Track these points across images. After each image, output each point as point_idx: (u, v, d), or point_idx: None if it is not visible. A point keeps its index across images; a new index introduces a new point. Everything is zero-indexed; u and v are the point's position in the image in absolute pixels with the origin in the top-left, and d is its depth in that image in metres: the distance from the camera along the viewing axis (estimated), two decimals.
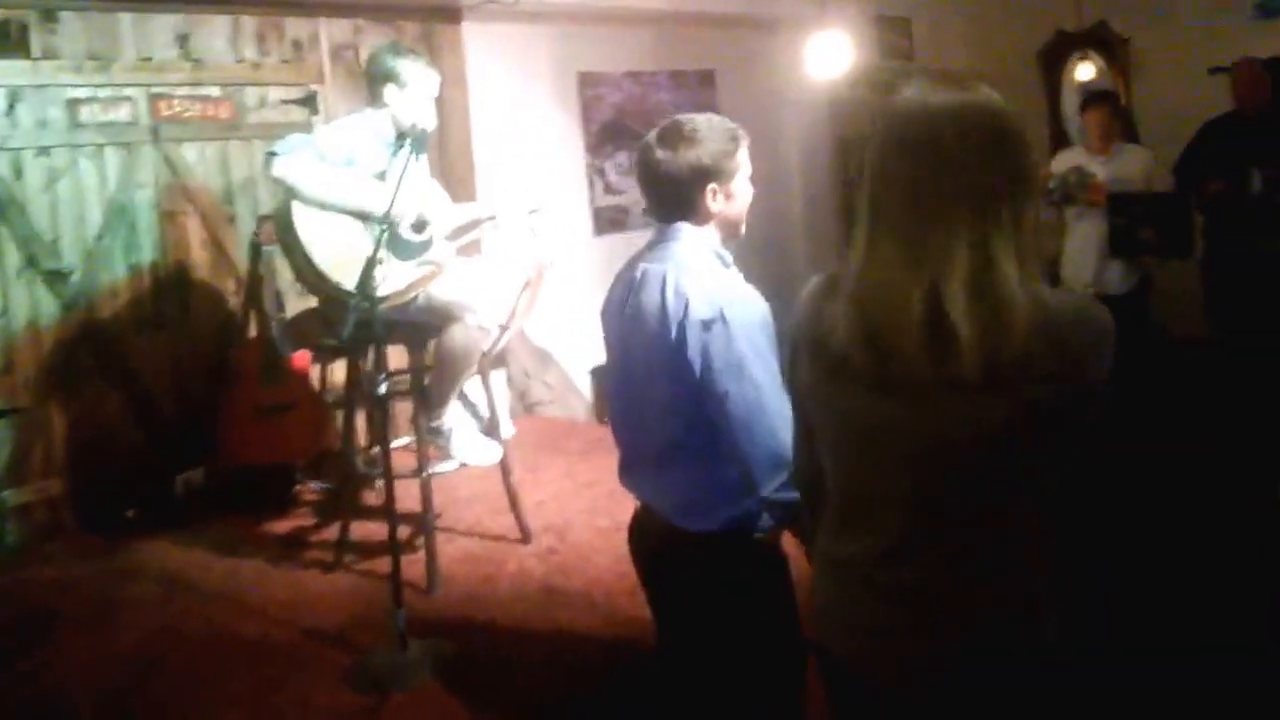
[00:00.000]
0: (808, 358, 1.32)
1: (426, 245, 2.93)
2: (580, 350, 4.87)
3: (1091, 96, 4.98)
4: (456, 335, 3.04)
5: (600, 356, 2.02)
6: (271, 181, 2.87)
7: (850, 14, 5.68)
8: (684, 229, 1.80)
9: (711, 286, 1.74)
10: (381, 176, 2.98)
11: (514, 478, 3.45)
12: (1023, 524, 1.24)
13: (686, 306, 1.72)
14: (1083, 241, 4.74)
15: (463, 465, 3.29)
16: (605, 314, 1.94)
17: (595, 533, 3.55)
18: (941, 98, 1.23)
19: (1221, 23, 6.17)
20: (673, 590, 1.90)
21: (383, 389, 2.60)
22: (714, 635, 1.82)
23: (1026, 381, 1.14)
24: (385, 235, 2.57)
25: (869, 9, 6.10)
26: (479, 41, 4.73)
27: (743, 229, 1.88)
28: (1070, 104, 6.73)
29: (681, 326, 1.72)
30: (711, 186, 1.78)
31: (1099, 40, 6.59)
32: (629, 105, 5.37)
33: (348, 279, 2.83)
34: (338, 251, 2.86)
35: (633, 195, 5.22)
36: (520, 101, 4.90)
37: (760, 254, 6.01)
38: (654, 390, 1.79)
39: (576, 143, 5.22)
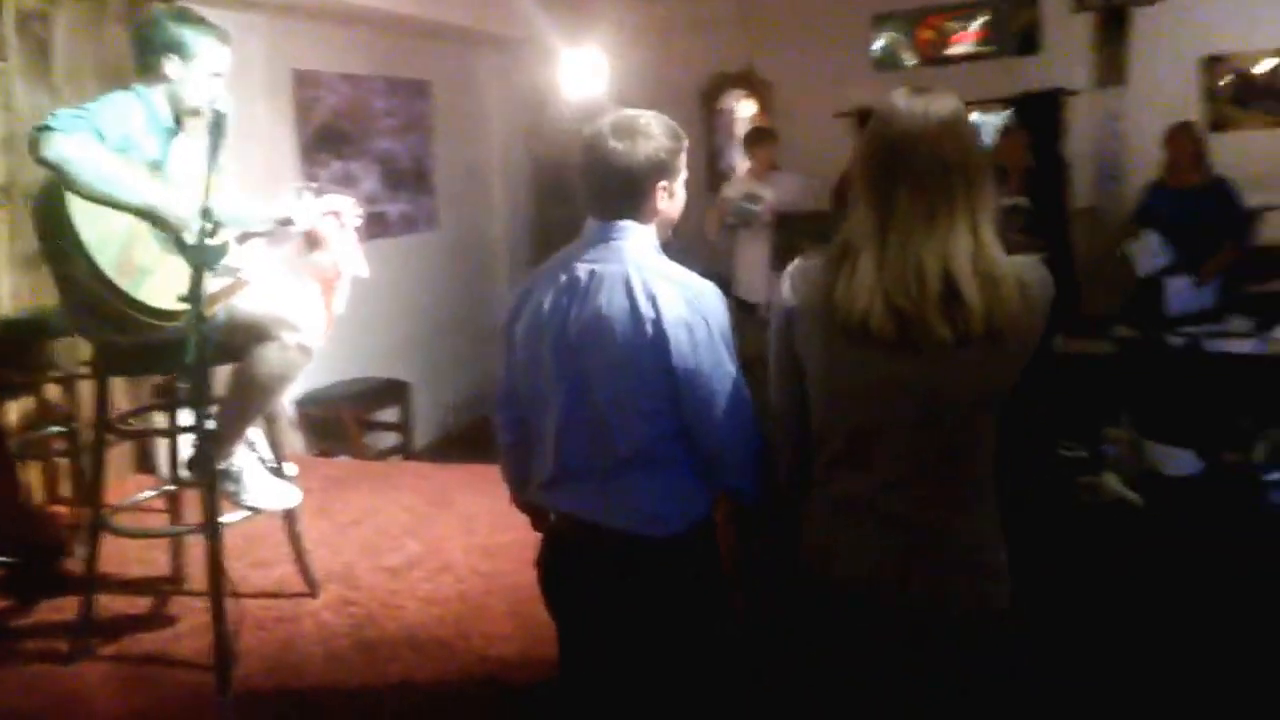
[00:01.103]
0: (815, 325, 1.51)
1: (223, 251, 2.46)
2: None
3: (758, 132, 5.54)
4: (270, 357, 2.58)
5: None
6: (41, 164, 2.23)
7: (546, 46, 5.74)
8: (630, 227, 1.74)
9: (679, 284, 1.70)
10: (156, 167, 2.46)
11: (301, 524, 3.02)
12: (987, 462, 1.53)
13: (660, 307, 1.66)
14: (752, 259, 5.24)
15: (254, 513, 2.79)
16: (526, 322, 1.81)
17: (386, 574, 3.22)
18: (935, 103, 1.48)
19: (846, 74, 7.18)
20: (626, 602, 1.77)
21: (211, 425, 2.14)
22: (680, 634, 1.76)
23: (1013, 335, 1.43)
24: (196, 238, 2.14)
25: (564, 41, 6.22)
26: None
27: (671, 230, 1.83)
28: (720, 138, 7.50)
29: (659, 328, 1.66)
30: (663, 183, 1.74)
31: (749, 82, 7.33)
32: (346, 109, 4.96)
33: (144, 290, 2.31)
34: (121, 256, 2.31)
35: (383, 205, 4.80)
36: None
37: (461, 260, 5.96)
38: (617, 397, 1.70)
39: (289, 147, 4.70)
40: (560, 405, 1.76)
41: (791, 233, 5.20)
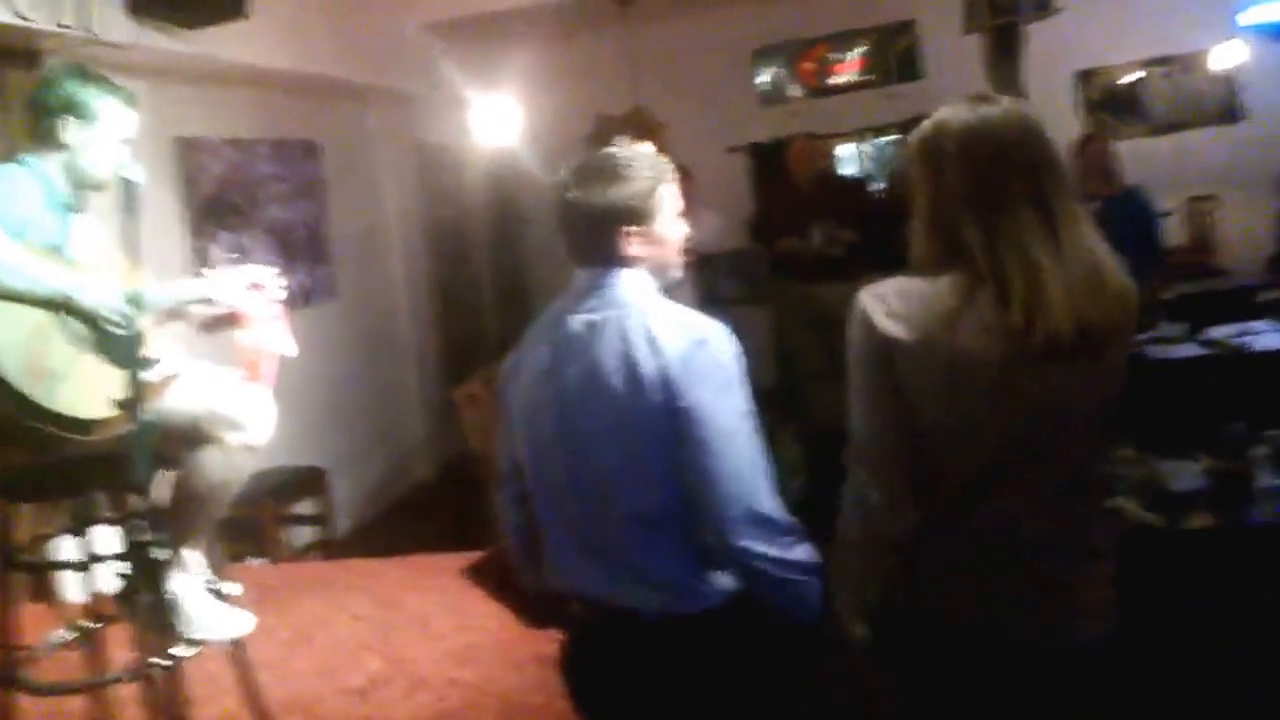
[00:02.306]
0: (937, 355, 1.41)
1: (141, 341, 2.08)
2: None
3: (675, 170, 5.37)
4: (210, 463, 2.20)
5: None
6: None
7: (439, 100, 5.48)
8: (621, 272, 1.63)
9: (683, 326, 1.58)
10: (55, 251, 2.09)
11: (249, 654, 2.60)
12: (1100, 488, 1.55)
13: (661, 351, 1.54)
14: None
15: (201, 647, 2.37)
16: (523, 386, 1.69)
17: (353, 699, 2.83)
18: (999, 105, 1.47)
19: (734, 110, 7.18)
20: (666, 693, 1.60)
21: (162, 554, 1.77)
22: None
23: (1118, 344, 1.43)
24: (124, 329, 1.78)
25: (457, 94, 5.99)
26: None
27: (676, 271, 1.71)
28: None
29: (663, 374, 1.52)
30: (628, 229, 1.61)
31: (640, 123, 7.22)
32: (233, 177, 4.53)
33: (60, 398, 1.91)
34: (29, 361, 1.91)
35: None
36: None
37: (364, 331, 5.57)
38: (625, 457, 1.56)
39: (174, 221, 4.25)
40: (565, 473, 1.63)
41: (715, 272, 5.08)
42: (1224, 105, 6.56)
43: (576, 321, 1.63)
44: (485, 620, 2.53)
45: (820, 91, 7.21)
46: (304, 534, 4.91)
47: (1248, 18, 6.40)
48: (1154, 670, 2.03)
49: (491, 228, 7.09)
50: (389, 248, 5.92)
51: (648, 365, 1.53)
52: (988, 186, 1.42)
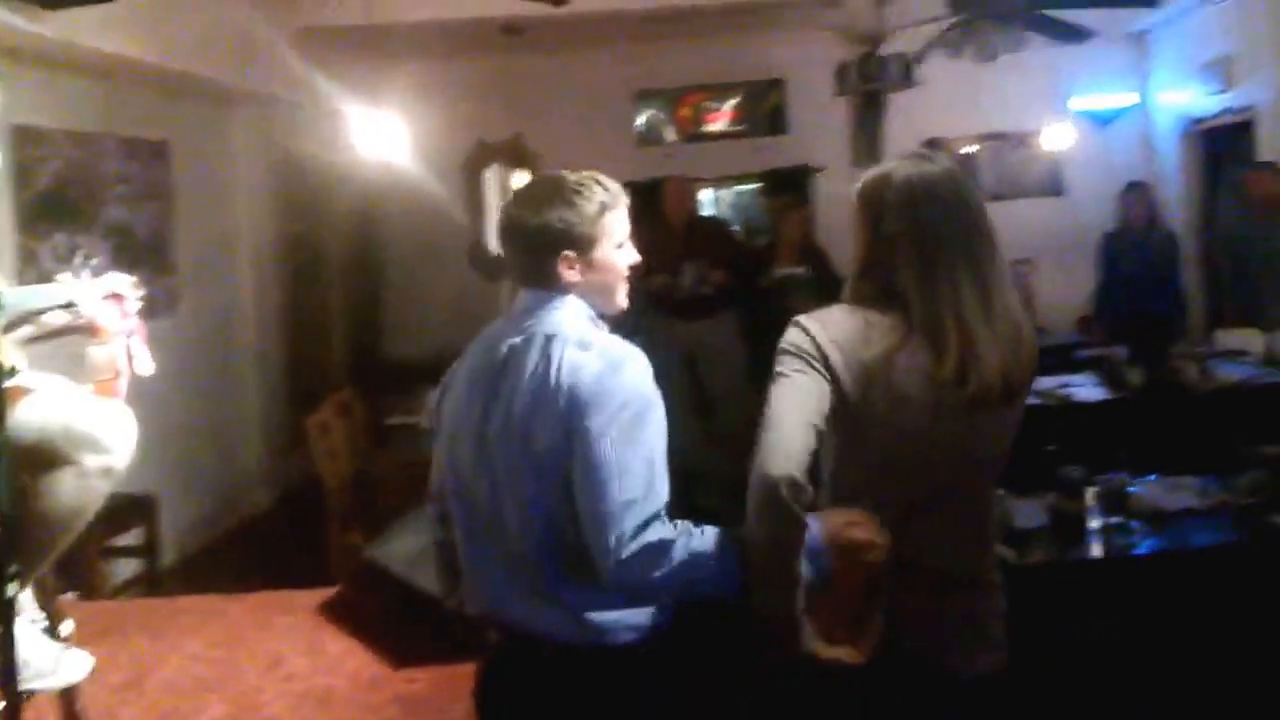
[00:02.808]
0: (861, 391, 1.48)
1: None
2: None
3: None
4: (64, 487, 1.94)
5: None
6: None
7: (307, 106, 5.23)
8: (558, 297, 1.60)
9: (596, 351, 1.53)
10: None
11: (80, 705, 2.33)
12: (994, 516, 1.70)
13: (570, 377, 1.50)
14: None
15: (29, 696, 2.08)
16: (452, 403, 1.65)
17: None
18: (946, 164, 1.57)
19: (611, 148, 7.22)
20: None
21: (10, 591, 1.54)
22: None
23: (1025, 395, 1.57)
24: None
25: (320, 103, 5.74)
26: None
27: (619, 300, 1.66)
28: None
29: (569, 400, 1.49)
30: (567, 254, 1.58)
31: (515, 152, 7.15)
32: (73, 173, 4.12)
33: None
34: None
35: None
36: None
37: (205, 351, 5.18)
38: (543, 485, 1.51)
39: (4, 217, 3.82)
40: (486, 498, 1.57)
41: None
42: (1048, 179, 7.16)
43: (506, 345, 1.59)
44: (343, 661, 2.36)
45: (694, 137, 7.38)
46: (126, 567, 4.47)
47: (1077, 103, 7.04)
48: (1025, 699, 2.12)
49: (349, 249, 6.79)
50: (239, 262, 5.57)
51: (561, 391, 1.49)
52: (922, 241, 1.50)
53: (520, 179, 6.94)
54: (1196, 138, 6.75)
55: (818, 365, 1.49)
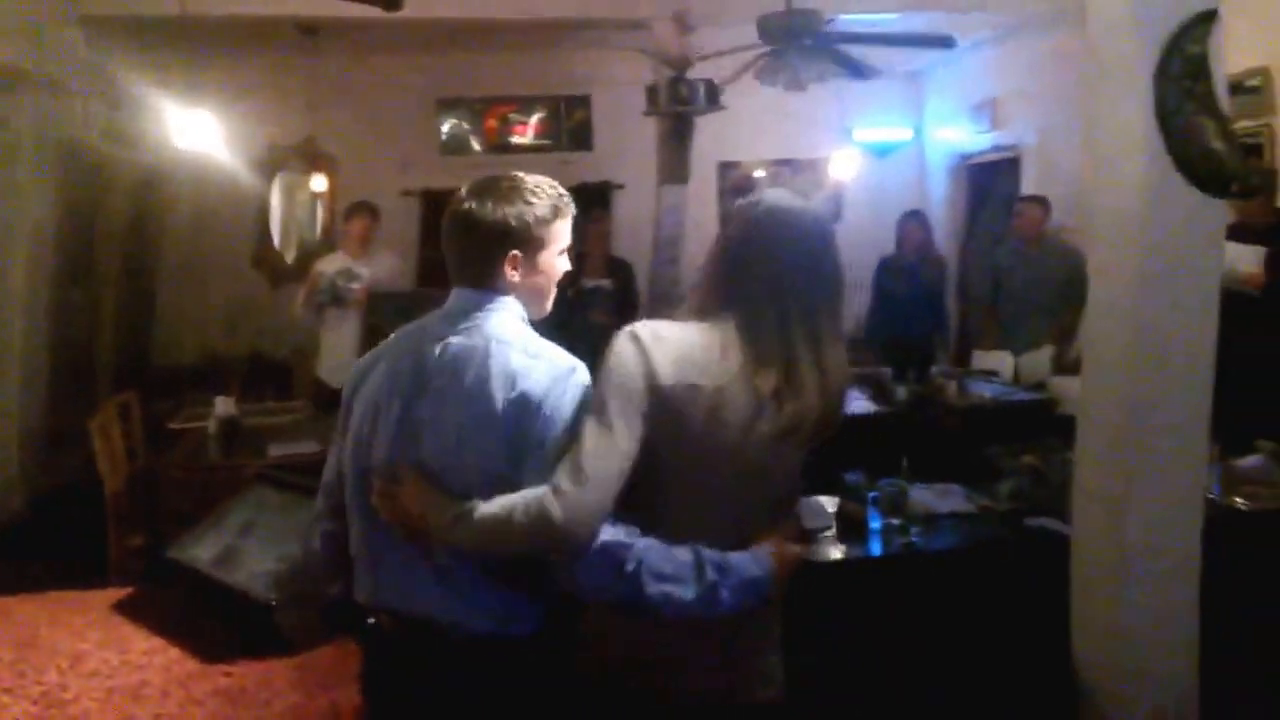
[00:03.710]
0: (685, 403, 1.49)
1: None
2: None
3: (357, 206, 5.19)
4: None
5: None
6: None
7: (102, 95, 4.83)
8: (496, 298, 1.63)
9: (544, 361, 1.57)
10: None
11: None
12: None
13: (520, 385, 1.53)
14: (341, 340, 4.92)
15: None
16: (366, 397, 1.65)
17: None
18: (799, 202, 1.62)
19: (413, 155, 7.09)
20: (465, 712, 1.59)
21: None
22: None
23: (820, 424, 1.55)
24: None
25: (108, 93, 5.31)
26: None
27: (547, 306, 1.71)
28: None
29: (519, 406, 1.52)
30: (514, 253, 1.61)
31: (311, 154, 6.87)
32: None
33: None
34: None
35: None
36: None
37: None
38: (458, 478, 1.53)
39: None
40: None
41: (381, 313, 4.93)
42: (830, 205, 7.64)
43: (438, 345, 1.60)
44: (152, 657, 2.24)
45: (499, 149, 7.35)
46: None
47: (859, 135, 7.58)
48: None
49: (125, 247, 6.29)
50: (14, 254, 5.04)
51: (501, 396, 1.51)
52: (773, 270, 1.54)
53: (317, 182, 6.67)
54: (965, 172, 7.43)
55: (638, 396, 1.48)
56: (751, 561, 1.50)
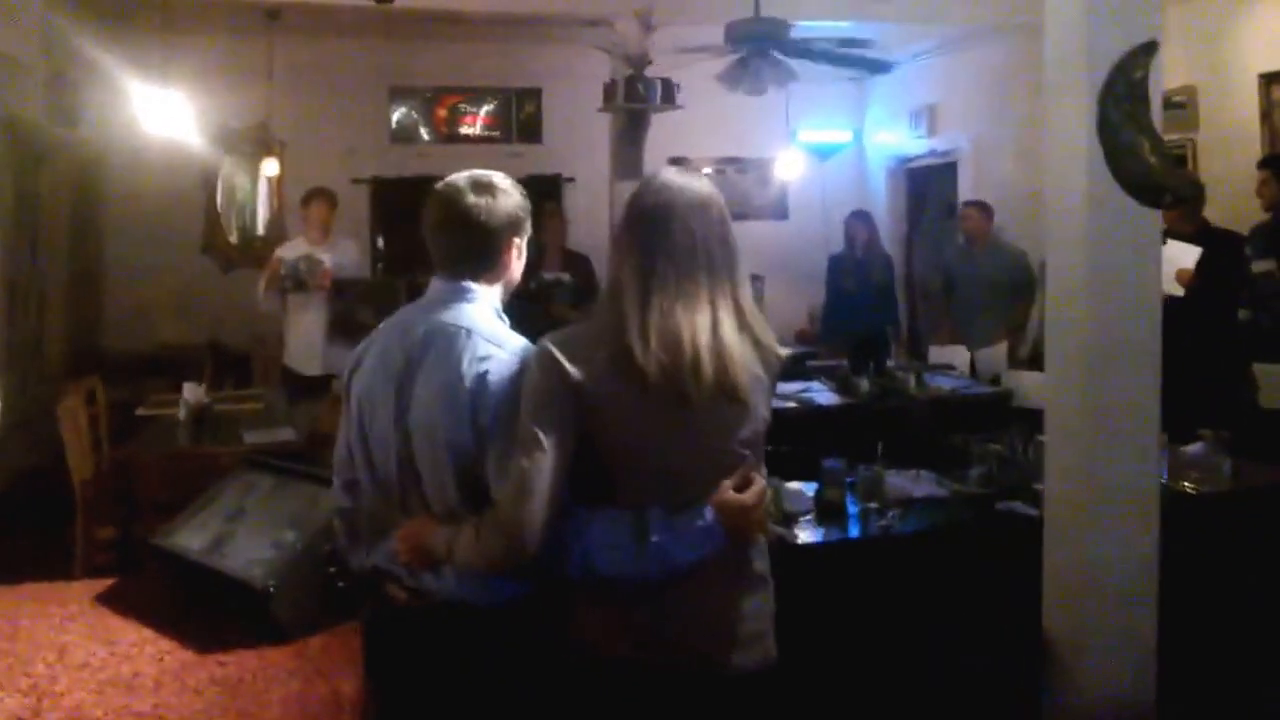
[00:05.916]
0: (597, 399, 1.54)
1: None
2: None
3: (316, 192, 5.15)
4: None
5: None
6: None
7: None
8: (477, 288, 1.74)
9: (513, 352, 1.68)
10: None
11: None
12: None
13: (486, 373, 1.64)
14: (307, 327, 4.90)
15: None
16: (363, 381, 1.78)
17: None
18: (694, 182, 1.64)
19: (364, 142, 7.04)
20: (448, 676, 1.70)
21: None
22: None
23: (760, 393, 1.62)
24: None
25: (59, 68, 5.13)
26: None
27: (507, 294, 1.84)
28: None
29: (481, 393, 1.63)
30: (516, 240, 1.77)
31: (260, 139, 6.75)
32: None
33: None
34: None
35: None
36: None
37: None
38: (435, 457, 1.66)
39: None
40: (396, 469, 1.71)
41: (348, 301, 4.91)
42: (776, 204, 7.85)
43: (422, 330, 1.71)
44: (142, 648, 2.24)
45: (449, 139, 7.34)
46: None
47: (803, 136, 7.79)
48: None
49: (71, 226, 6.10)
50: None
51: (471, 382, 1.63)
52: (659, 244, 1.57)
53: (269, 166, 6.56)
54: (903, 175, 7.72)
55: (559, 402, 1.54)
56: (696, 513, 1.57)
